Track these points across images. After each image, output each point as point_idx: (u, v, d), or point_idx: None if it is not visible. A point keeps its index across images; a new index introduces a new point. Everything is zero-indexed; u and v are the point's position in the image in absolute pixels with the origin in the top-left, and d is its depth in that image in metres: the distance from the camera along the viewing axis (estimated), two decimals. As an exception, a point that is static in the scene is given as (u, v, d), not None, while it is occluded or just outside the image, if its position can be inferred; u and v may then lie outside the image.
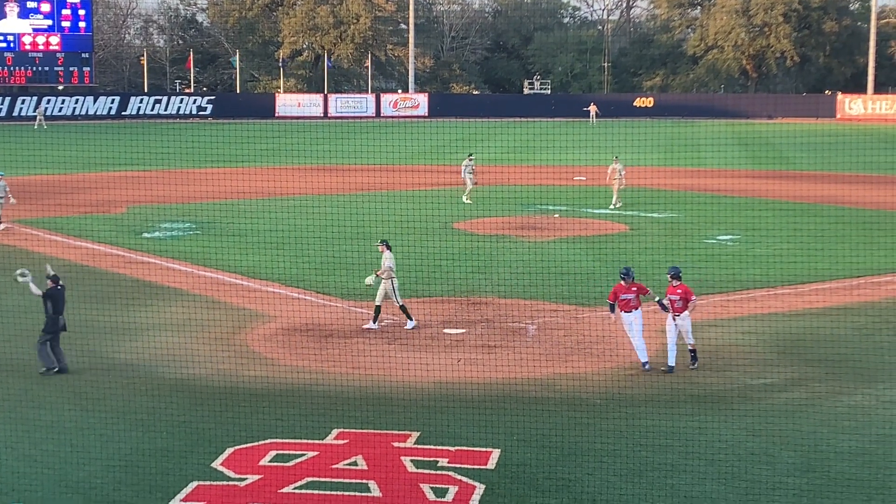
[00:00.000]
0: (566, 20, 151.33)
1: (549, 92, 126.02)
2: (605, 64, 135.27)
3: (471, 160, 46.29)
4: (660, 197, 44.87)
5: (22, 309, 23.40)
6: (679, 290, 20.57)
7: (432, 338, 23.05)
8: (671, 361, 20.51)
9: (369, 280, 23.94)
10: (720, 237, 36.28)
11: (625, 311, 20.57)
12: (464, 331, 23.67)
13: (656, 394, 19.19)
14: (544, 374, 20.41)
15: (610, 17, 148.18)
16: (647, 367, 20.46)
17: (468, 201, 44.64)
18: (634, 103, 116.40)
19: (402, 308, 23.81)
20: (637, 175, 48.77)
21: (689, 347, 20.69)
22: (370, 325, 23.82)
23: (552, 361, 21.18)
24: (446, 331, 23.52)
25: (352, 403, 18.37)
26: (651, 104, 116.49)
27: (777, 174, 56.83)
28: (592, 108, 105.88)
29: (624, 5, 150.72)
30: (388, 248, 23.92)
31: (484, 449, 16.26)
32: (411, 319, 23.77)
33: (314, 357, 21.49)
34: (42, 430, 17.07)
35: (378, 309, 23.80)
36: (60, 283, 21.07)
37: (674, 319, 20.51)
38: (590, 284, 27.67)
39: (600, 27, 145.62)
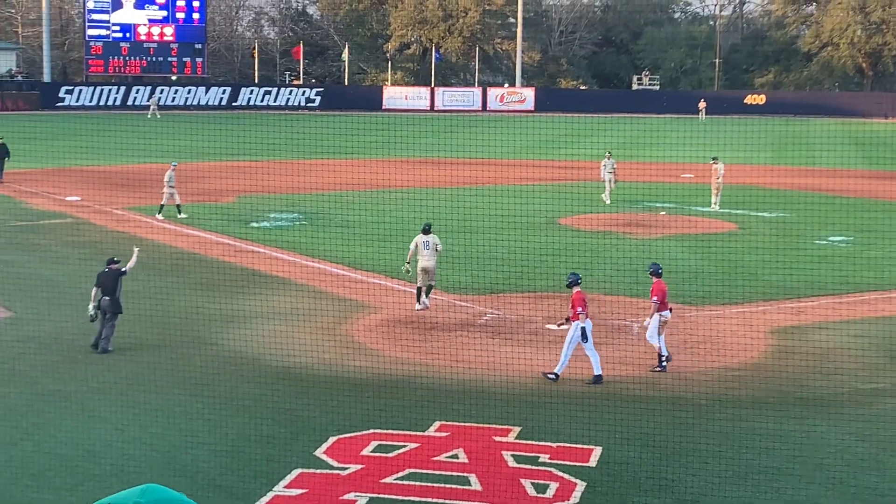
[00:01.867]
0: (677, 15, 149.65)
1: (658, 88, 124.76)
2: (717, 60, 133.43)
3: (609, 158, 44.84)
4: (770, 196, 44.15)
5: (134, 294, 23.94)
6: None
7: (535, 333, 23.02)
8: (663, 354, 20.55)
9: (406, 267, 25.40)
10: (832, 238, 35.58)
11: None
12: (567, 327, 23.57)
13: (762, 395, 18.91)
14: (648, 372, 20.24)
15: (722, 13, 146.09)
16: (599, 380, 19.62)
17: (608, 201, 43.72)
18: (745, 100, 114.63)
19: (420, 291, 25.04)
20: (746, 173, 48.05)
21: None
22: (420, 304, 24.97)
23: (656, 360, 20.98)
24: (549, 326, 23.46)
25: (453, 396, 18.44)
26: (763, 101, 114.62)
27: (893, 175, 55.50)
28: (702, 105, 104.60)
29: (737, 1, 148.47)
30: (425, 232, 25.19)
31: (585, 446, 16.19)
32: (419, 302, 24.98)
33: (417, 349, 21.60)
34: (151, 414, 17.44)
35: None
36: (110, 267, 21.44)
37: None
38: (696, 283, 27.38)
39: (712, 23, 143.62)
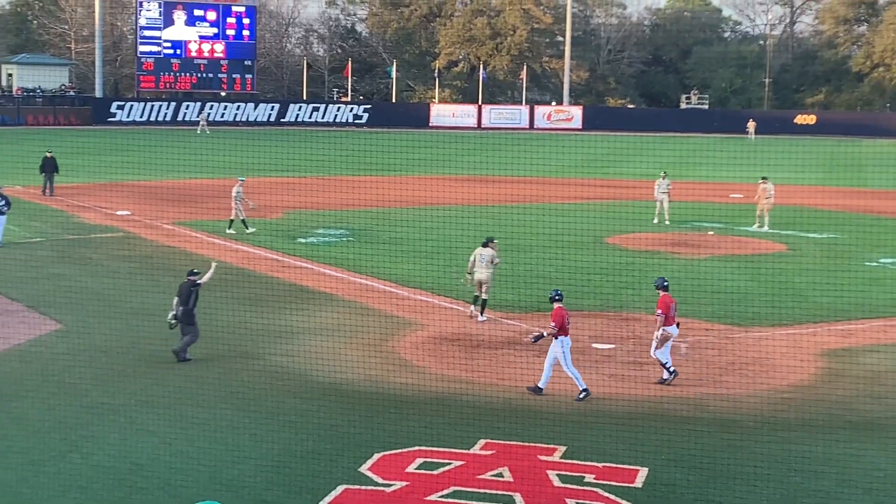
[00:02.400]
0: (726, 34, 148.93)
1: (707, 107, 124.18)
2: (767, 80, 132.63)
3: (664, 178, 44.14)
4: (820, 217, 43.75)
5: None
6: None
7: (581, 352, 22.91)
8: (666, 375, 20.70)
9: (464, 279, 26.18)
10: (883, 260, 35.18)
11: (564, 336, 19.71)
12: (613, 346, 23.48)
13: (812, 418, 18.70)
14: (695, 393, 20.10)
15: (772, 32, 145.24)
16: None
17: (656, 221, 43.28)
18: (795, 120, 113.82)
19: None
20: (796, 194, 47.67)
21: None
22: (481, 317, 25.66)
23: (703, 381, 20.84)
24: (595, 345, 23.37)
25: (499, 414, 18.39)
26: (813, 121, 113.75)
27: (945, 196, 54.80)
28: (751, 125, 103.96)
29: (787, 20, 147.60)
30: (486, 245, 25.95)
31: (631, 467, 16.08)
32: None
33: (462, 366, 21.57)
34: (197, 428, 17.53)
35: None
36: (189, 279, 21.99)
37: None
38: (744, 304, 27.16)
39: (762, 42, 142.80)
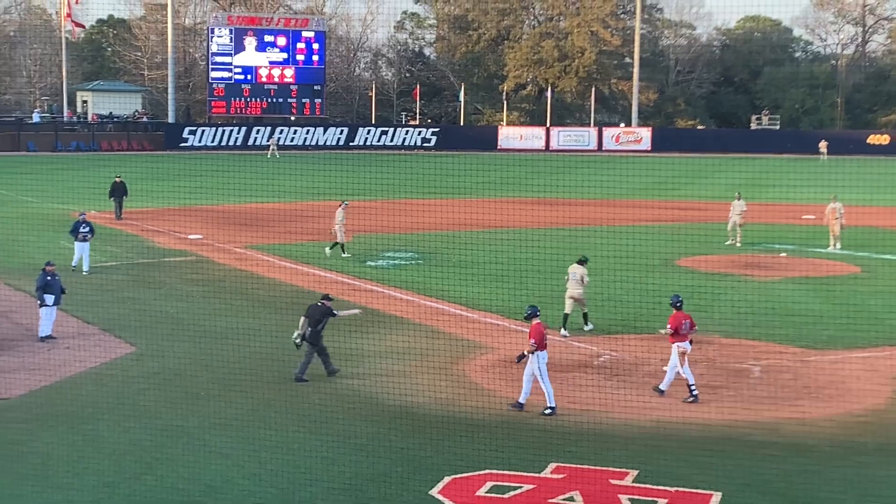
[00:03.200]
0: (797, 54, 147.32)
1: (777, 127, 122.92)
2: (839, 100, 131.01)
3: (739, 199, 43.57)
4: (894, 238, 43.06)
5: (254, 331, 24.38)
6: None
7: (652, 375, 22.75)
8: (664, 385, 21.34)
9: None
10: (960, 282, 34.53)
11: (541, 351, 20.30)
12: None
13: (888, 443, 18.39)
14: (768, 417, 19.86)
15: (844, 52, 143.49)
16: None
17: (738, 244, 42.81)
18: (868, 140, 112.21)
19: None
20: (870, 215, 46.98)
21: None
22: (586, 326, 27.01)
23: (777, 405, 20.59)
24: (666, 369, 23.17)
25: (569, 438, 18.31)
26: (887, 141, 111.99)
27: None
28: (823, 145, 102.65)
29: (859, 40, 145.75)
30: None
31: (704, 491, 15.92)
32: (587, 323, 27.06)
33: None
34: (269, 450, 17.67)
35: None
36: (322, 302, 22.57)
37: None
38: (819, 327, 26.81)
39: (834, 62, 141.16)
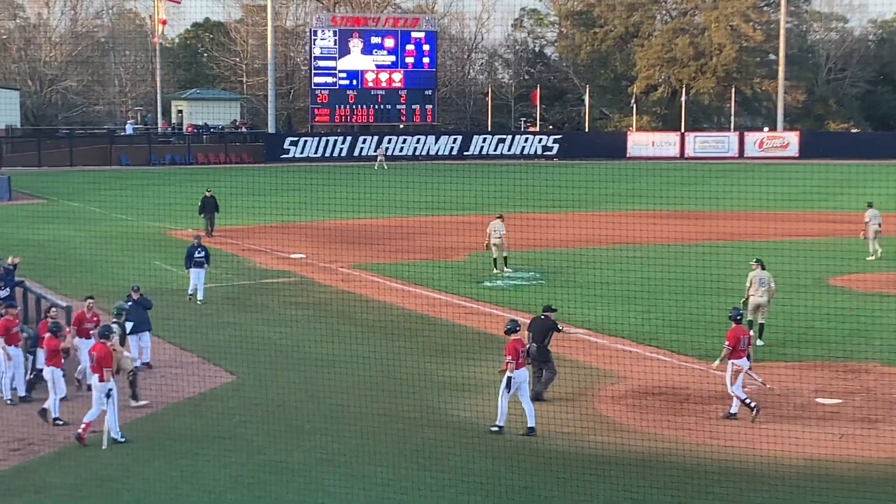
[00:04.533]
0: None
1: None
2: None
3: (870, 208, 43.14)
4: None
5: (362, 359, 24.59)
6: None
7: (803, 407, 22.38)
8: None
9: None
10: None
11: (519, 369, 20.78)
12: (840, 401, 22.85)
13: None
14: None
15: None
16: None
17: (874, 257, 42.33)
18: None
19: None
20: None
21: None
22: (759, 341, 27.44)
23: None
24: (819, 400, 22.81)
25: (711, 477, 18.07)
26: None
27: None
28: None
29: None
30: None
31: (864, 539, 15.59)
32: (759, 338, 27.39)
33: (668, 423, 21.32)
34: (378, 488, 17.77)
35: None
36: (545, 315, 23.49)
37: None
38: None
39: None
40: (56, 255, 41.10)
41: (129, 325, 25.44)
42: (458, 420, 21.70)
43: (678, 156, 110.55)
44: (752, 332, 26.38)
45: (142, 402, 22.88)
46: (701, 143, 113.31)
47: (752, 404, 21.49)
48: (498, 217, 40.96)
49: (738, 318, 22.48)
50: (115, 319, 23.96)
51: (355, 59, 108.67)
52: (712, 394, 23.47)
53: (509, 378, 20.75)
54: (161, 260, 42.24)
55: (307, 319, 31.80)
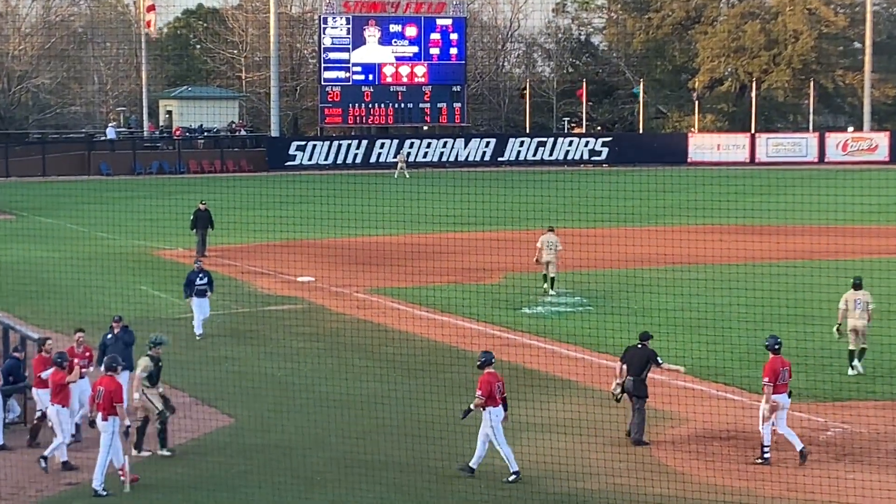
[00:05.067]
0: None
1: None
2: None
3: None
4: None
5: (384, 399, 24.56)
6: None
7: (896, 455, 22.31)
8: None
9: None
10: None
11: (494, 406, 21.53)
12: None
13: None
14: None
15: None
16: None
17: None
18: None
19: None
20: None
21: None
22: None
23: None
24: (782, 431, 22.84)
25: (788, 536, 18.02)
26: None
27: None
28: None
29: None
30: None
31: None
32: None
33: (738, 473, 21.25)
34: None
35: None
36: (643, 343, 24.01)
37: None
38: None
39: None
40: (26, 279, 41.27)
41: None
42: (491, 470, 21.64)
43: (747, 161, 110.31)
44: (857, 365, 27.78)
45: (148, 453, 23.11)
46: (774, 146, 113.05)
47: (767, 455, 22.09)
48: (549, 230, 41.51)
49: (776, 348, 22.78)
50: (152, 346, 23.73)
51: (372, 51, 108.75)
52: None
53: (469, 410, 21.63)
54: (148, 284, 42.35)
55: (316, 353, 31.79)
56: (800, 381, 26.89)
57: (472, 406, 21.63)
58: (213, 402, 26.60)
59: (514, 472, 21.28)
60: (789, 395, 22.33)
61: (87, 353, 24.54)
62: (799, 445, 21.94)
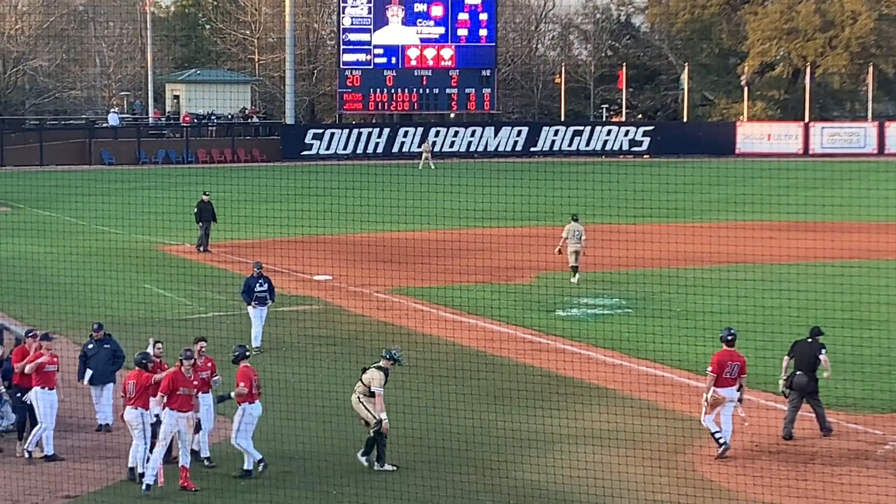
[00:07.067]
0: None
1: None
2: None
3: None
4: None
5: (405, 406, 24.60)
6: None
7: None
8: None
9: None
10: None
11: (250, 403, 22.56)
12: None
13: None
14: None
15: None
16: None
17: None
18: None
19: None
20: None
21: None
22: None
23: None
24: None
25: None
26: None
27: None
28: None
29: None
30: None
31: None
32: None
33: (788, 489, 21.23)
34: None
35: None
36: (814, 338, 24.85)
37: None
38: None
39: None
40: (22, 276, 41.36)
41: (88, 374, 25.51)
42: (522, 484, 21.65)
43: (801, 152, 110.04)
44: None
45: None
46: (830, 137, 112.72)
47: (722, 441, 22.95)
48: (573, 219, 41.94)
49: (729, 339, 23.68)
50: (390, 360, 23.93)
51: (394, 32, 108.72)
52: (845, 452, 23.33)
53: (227, 396, 22.84)
54: (152, 283, 42.45)
55: (334, 357, 31.86)
56: (856, 391, 26.88)
57: (232, 395, 22.60)
58: (223, 409, 26.63)
59: (246, 471, 22.41)
60: (739, 389, 23.34)
61: (209, 364, 23.95)
62: (725, 441, 23.00)
